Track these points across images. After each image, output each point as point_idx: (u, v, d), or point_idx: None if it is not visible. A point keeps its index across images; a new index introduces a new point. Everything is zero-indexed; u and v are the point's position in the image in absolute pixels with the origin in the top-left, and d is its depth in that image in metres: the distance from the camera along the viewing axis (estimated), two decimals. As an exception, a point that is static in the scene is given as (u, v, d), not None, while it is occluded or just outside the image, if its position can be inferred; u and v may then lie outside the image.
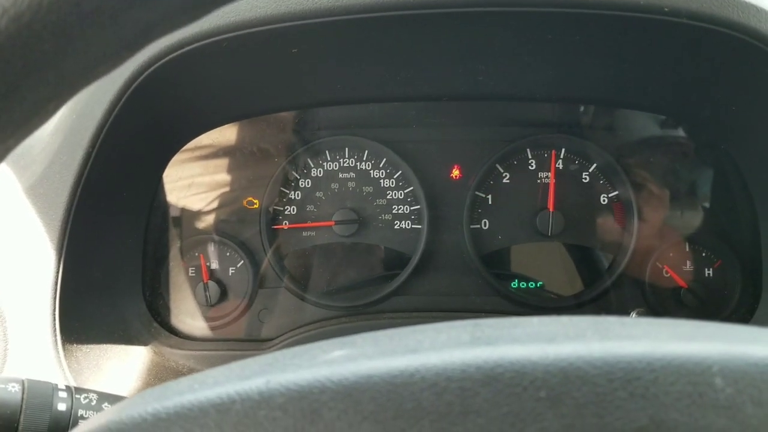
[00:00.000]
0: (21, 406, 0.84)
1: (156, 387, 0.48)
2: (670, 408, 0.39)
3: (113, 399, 0.93)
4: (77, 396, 0.89)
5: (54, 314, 1.19)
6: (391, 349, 0.46)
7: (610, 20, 1.11)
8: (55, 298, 1.19)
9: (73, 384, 1.16)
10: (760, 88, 1.22)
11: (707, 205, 1.54)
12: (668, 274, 1.52)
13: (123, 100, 1.17)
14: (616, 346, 0.42)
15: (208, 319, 1.57)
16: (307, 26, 1.11)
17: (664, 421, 0.39)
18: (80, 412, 0.88)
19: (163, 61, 1.13)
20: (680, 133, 1.53)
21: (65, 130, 1.19)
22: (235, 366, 0.49)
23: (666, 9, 1.06)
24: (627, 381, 0.40)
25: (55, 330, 1.19)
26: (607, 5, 1.07)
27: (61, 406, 0.87)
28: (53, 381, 0.92)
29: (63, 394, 0.88)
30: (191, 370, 1.45)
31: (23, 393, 0.85)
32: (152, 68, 1.14)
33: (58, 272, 1.19)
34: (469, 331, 0.48)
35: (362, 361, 0.44)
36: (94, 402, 0.90)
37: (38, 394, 0.86)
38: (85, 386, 1.21)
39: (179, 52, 1.12)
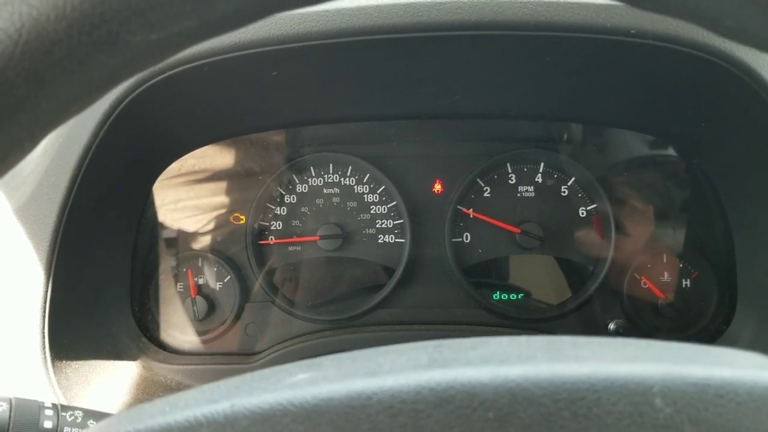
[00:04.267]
0: (8, 424, 0.87)
1: (131, 409, 0.51)
2: (611, 427, 0.40)
3: (98, 416, 0.96)
4: (63, 414, 0.92)
5: (43, 332, 1.22)
6: (352, 372, 0.48)
7: (579, 42, 1.15)
8: (44, 316, 1.22)
9: (62, 400, 1.20)
10: (726, 106, 1.26)
11: (684, 218, 1.58)
12: (646, 286, 1.56)
13: (108, 123, 1.20)
14: (563, 368, 0.44)
15: (196, 333, 1.60)
16: (285, 51, 1.15)
17: None
18: (66, 429, 0.91)
19: (146, 85, 1.17)
20: (656, 148, 1.57)
21: (53, 154, 1.22)
22: (206, 388, 0.51)
23: (632, 31, 1.10)
24: (571, 401, 0.41)
25: (44, 347, 1.22)
26: (576, 28, 1.11)
27: (48, 424, 0.90)
28: (43, 397, 0.95)
29: (49, 412, 0.91)
30: (179, 384, 1.48)
31: (11, 411, 0.88)
32: (135, 93, 1.17)
33: (47, 291, 1.22)
34: (428, 353, 0.50)
35: (323, 385, 0.46)
36: (80, 419, 0.93)
37: (25, 412, 0.89)
38: (75, 402, 1.24)
39: (162, 76, 1.16)
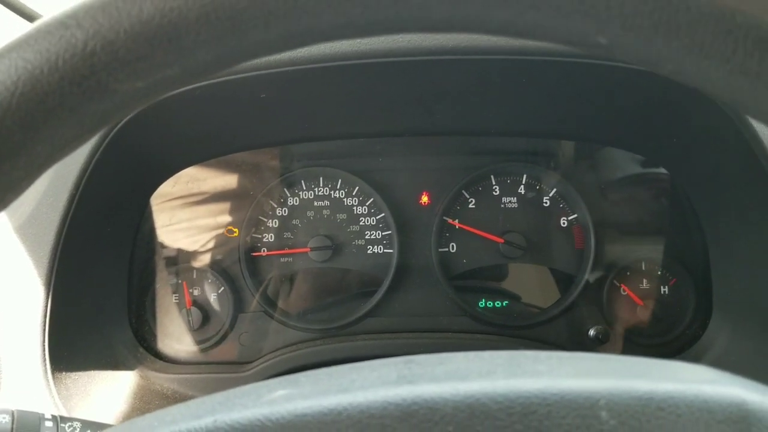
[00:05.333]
0: (11, 435, 0.93)
1: (123, 424, 0.55)
2: None
3: (96, 427, 1.01)
4: (62, 425, 0.97)
5: (44, 345, 1.27)
6: (326, 388, 0.51)
7: (552, 65, 1.20)
8: (44, 330, 1.27)
9: (62, 411, 1.25)
10: (695, 123, 1.31)
11: (661, 227, 1.63)
12: (625, 293, 1.61)
13: (102, 146, 1.25)
14: (519, 383, 0.46)
15: (192, 343, 1.65)
16: (274, 75, 1.20)
17: None
18: (65, 439, 0.96)
19: (139, 109, 1.22)
20: (634, 161, 1.62)
21: (51, 174, 1.28)
22: (192, 404, 0.54)
23: (609, 58, 1.15)
24: (524, 415, 0.44)
25: (45, 359, 1.27)
26: (549, 53, 1.16)
27: (48, 435, 0.96)
28: (44, 408, 1.00)
29: (49, 424, 0.96)
30: (175, 393, 1.53)
31: (13, 423, 0.93)
32: (129, 116, 1.23)
33: (47, 305, 1.27)
34: (398, 369, 0.53)
35: (298, 401, 0.48)
36: (78, 430, 0.98)
37: (26, 423, 0.94)
38: (75, 411, 1.29)
39: (155, 101, 1.21)
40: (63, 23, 0.46)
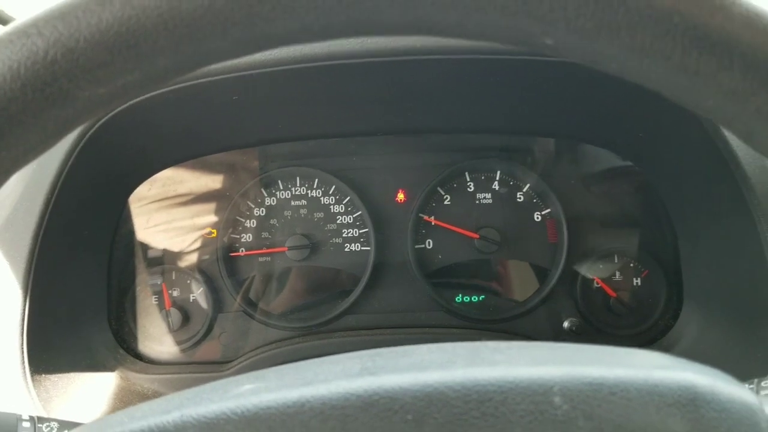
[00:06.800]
0: (-12, 436, 0.94)
1: (96, 420, 0.56)
2: (515, 425, 0.44)
3: (72, 426, 1.02)
4: (39, 425, 0.98)
5: (22, 347, 1.27)
6: (291, 382, 0.52)
7: (522, 63, 1.22)
8: (22, 332, 1.27)
9: (42, 413, 1.25)
10: (660, 120, 1.34)
11: (633, 221, 1.66)
12: (598, 285, 1.63)
13: (78, 149, 1.26)
14: (476, 372, 0.48)
15: (172, 344, 1.66)
16: (246, 77, 1.22)
17: None
18: (42, 439, 0.97)
19: (113, 112, 1.23)
20: (605, 156, 1.64)
21: (26, 179, 1.28)
22: (162, 400, 0.56)
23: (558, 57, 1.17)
24: (480, 402, 0.45)
25: (23, 362, 1.27)
26: (516, 51, 1.18)
27: (26, 435, 0.97)
28: (23, 410, 1.01)
29: (26, 424, 0.97)
30: (156, 393, 1.54)
31: (-10, 424, 0.95)
32: (103, 119, 1.24)
33: (24, 308, 1.27)
34: (362, 362, 0.54)
35: (263, 394, 0.50)
36: (55, 430, 0.99)
37: (4, 424, 0.95)
38: (55, 413, 1.30)
39: (128, 104, 1.22)
40: (24, 32, 0.48)
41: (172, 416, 0.51)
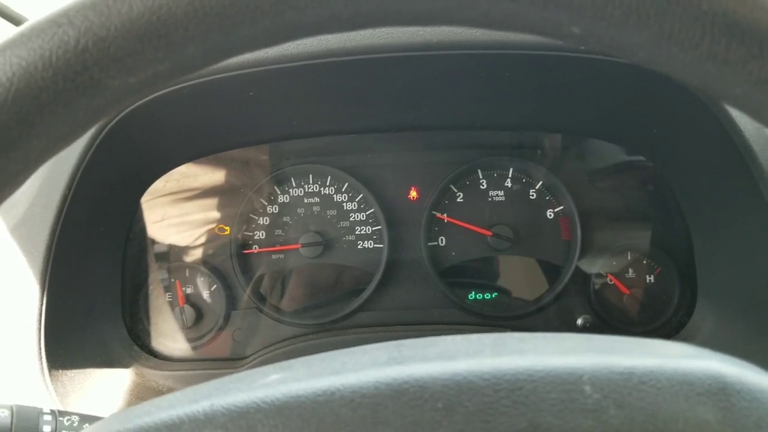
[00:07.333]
0: (11, 429, 0.94)
1: (121, 411, 0.56)
2: (545, 413, 0.44)
3: (93, 419, 1.02)
4: (60, 418, 0.99)
5: (40, 343, 1.28)
6: (320, 371, 0.52)
7: (534, 58, 1.22)
8: (40, 329, 1.28)
9: (59, 407, 1.26)
10: (674, 114, 1.34)
11: (646, 217, 1.66)
12: (612, 282, 1.63)
13: (94, 145, 1.27)
14: (505, 361, 0.48)
15: (185, 340, 1.66)
16: (262, 72, 1.22)
17: (540, 424, 0.43)
18: (63, 432, 0.98)
19: (129, 108, 1.24)
20: (618, 152, 1.64)
21: (43, 175, 1.29)
22: (189, 391, 0.56)
23: (582, 47, 1.17)
24: (510, 391, 0.45)
25: (41, 358, 1.28)
26: (529, 46, 1.18)
27: (46, 429, 0.97)
28: (41, 405, 1.01)
29: (48, 418, 0.98)
30: (170, 389, 1.54)
31: (12, 418, 0.95)
32: (120, 115, 1.24)
33: (42, 305, 1.28)
34: (388, 352, 0.54)
35: (292, 384, 0.50)
36: (76, 423, 0.99)
37: (26, 418, 0.96)
38: (71, 408, 1.31)
39: (145, 99, 1.23)
40: (55, 21, 0.48)
41: (202, 405, 0.51)
